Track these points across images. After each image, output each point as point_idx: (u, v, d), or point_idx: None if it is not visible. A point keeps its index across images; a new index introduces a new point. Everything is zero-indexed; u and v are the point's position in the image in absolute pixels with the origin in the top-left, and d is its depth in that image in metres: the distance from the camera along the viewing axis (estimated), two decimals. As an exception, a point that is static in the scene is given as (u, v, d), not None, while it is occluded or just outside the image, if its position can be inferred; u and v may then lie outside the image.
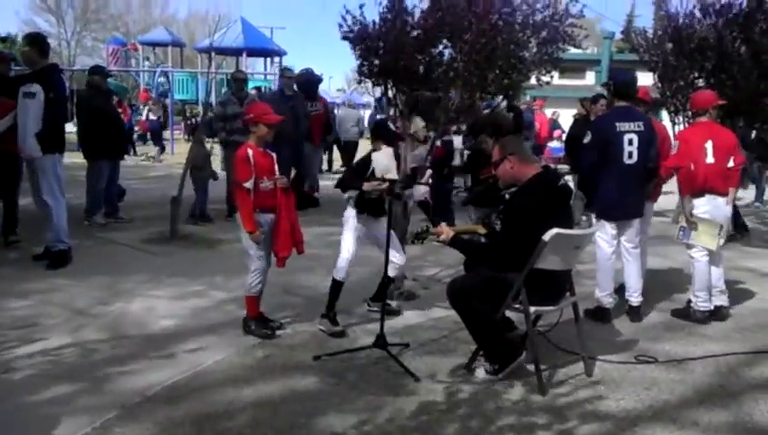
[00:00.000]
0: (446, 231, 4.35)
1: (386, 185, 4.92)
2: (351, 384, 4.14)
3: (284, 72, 11.19)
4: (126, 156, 9.60)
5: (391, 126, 5.88)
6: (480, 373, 4.27)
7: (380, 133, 5.44)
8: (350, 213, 5.24)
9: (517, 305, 4.15)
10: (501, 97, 10.21)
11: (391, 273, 5.33)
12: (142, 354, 4.54)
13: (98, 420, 3.57)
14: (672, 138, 6.28)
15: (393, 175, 5.00)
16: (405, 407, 3.83)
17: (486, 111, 10.05)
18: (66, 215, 6.78)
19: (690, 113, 5.63)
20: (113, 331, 5.00)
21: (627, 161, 5.38)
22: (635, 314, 5.58)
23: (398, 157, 5.31)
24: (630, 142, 5.37)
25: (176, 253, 7.58)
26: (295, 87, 10.60)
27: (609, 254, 5.51)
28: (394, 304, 5.47)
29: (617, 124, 5.41)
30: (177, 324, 5.19)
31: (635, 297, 5.61)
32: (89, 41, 48.57)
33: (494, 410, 3.82)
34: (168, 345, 4.72)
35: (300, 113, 10.02)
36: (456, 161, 9.30)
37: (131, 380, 4.12)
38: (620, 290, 5.87)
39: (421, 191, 5.96)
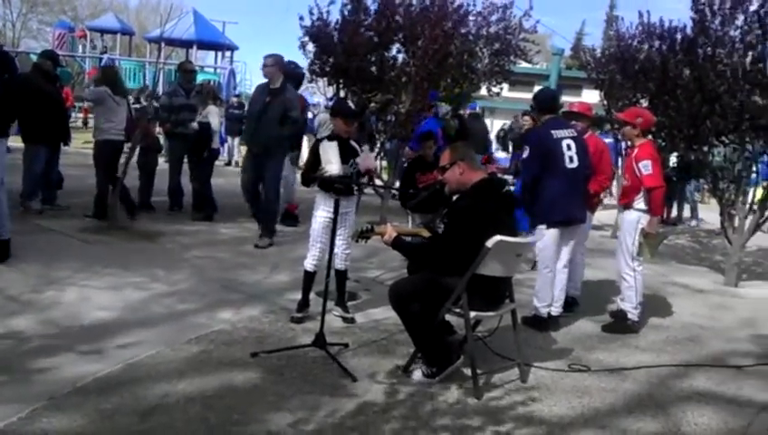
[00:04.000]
0: (389, 231, 4.35)
1: (329, 174, 5.00)
2: (289, 382, 4.10)
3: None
4: (68, 142, 9.26)
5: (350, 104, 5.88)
6: (417, 375, 4.28)
7: (339, 110, 5.48)
8: (318, 198, 5.33)
9: (457, 310, 4.18)
10: (446, 105, 10.34)
11: (340, 265, 5.34)
12: (74, 345, 4.41)
13: (24, 410, 3.45)
14: (615, 154, 6.47)
15: (336, 168, 4.99)
16: (342, 406, 3.81)
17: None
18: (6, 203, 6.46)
19: (636, 132, 5.74)
20: (45, 320, 4.84)
21: (569, 165, 5.51)
22: (554, 323, 5.67)
23: (346, 148, 5.27)
24: (569, 147, 5.52)
25: (113, 243, 7.41)
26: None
27: (549, 264, 5.60)
28: (348, 315, 5.44)
29: (552, 132, 5.57)
30: (111, 316, 5.06)
31: (555, 308, 5.68)
32: (35, 23, 47.11)
33: (430, 412, 3.84)
34: (100, 337, 4.59)
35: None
36: None
37: (61, 370, 3.99)
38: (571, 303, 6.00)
39: (366, 157, 5.56)
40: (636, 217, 5.70)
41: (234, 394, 3.87)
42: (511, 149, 14.69)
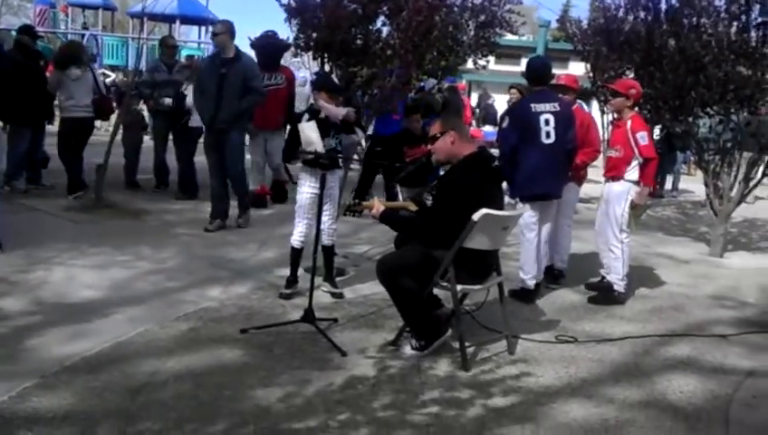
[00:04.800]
0: (377, 205, 4.36)
1: (311, 156, 4.98)
2: (278, 358, 4.12)
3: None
4: (51, 121, 9.18)
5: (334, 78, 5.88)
6: (406, 349, 4.31)
7: (324, 84, 5.47)
8: (303, 175, 5.32)
9: (445, 283, 4.20)
10: (433, 79, 10.27)
11: (327, 240, 5.36)
12: (62, 324, 4.41)
13: (14, 389, 3.46)
14: (601, 126, 6.49)
15: (317, 147, 4.97)
16: (332, 381, 3.84)
17: (419, 93, 10.09)
18: None
19: (629, 103, 5.77)
20: (33, 300, 4.84)
21: (545, 141, 5.49)
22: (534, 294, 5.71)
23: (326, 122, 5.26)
24: (547, 122, 5.49)
25: (100, 222, 7.37)
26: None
27: (532, 237, 5.63)
28: (337, 290, 5.46)
29: (532, 105, 5.55)
30: (98, 295, 5.05)
31: (529, 278, 5.68)
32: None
33: (419, 385, 3.88)
34: (88, 316, 4.59)
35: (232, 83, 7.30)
36: None
37: (50, 349, 4.00)
38: (546, 273, 6.04)
39: (335, 111, 5.46)
40: (626, 189, 5.73)
41: (223, 371, 3.89)
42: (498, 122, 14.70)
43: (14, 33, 19.58)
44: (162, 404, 3.45)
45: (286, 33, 9.18)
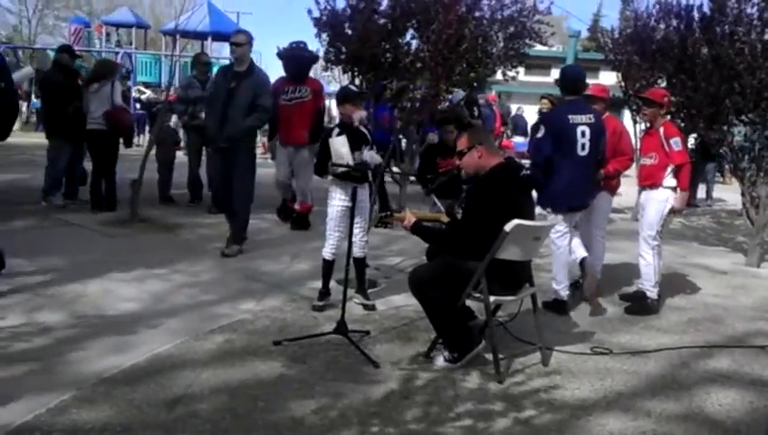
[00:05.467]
0: (408, 217, 4.37)
1: (342, 170, 5.01)
2: (312, 370, 4.14)
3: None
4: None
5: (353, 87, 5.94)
6: (439, 361, 4.30)
7: (345, 95, 5.51)
8: (333, 188, 5.37)
9: (477, 295, 4.19)
10: (461, 90, 10.28)
11: (358, 253, 5.38)
12: (99, 337, 4.47)
13: (53, 402, 3.51)
14: (633, 135, 6.44)
15: (348, 160, 4.98)
16: (365, 393, 3.84)
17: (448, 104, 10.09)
18: None
19: (663, 111, 5.78)
20: (70, 313, 4.92)
21: (580, 153, 5.48)
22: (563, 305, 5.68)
23: (357, 135, 5.29)
24: (583, 134, 5.48)
25: (135, 236, 7.48)
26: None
27: (563, 247, 5.60)
28: (369, 302, 5.48)
29: (570, 117, 5.52)
30: (135, 307, 5.13)
31: (562, 289, 5.66)
32: (51, 19, 47.34)
33: (452, 398, 3.86)
34: (125, 328, 4.66)
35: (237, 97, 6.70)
36: None
37: (88, 362, 4.06)
38: (576, 284, 6.00)
39: (369, 156, 5.40)
40: (665, 196, 5.72)
41: (258, 383, 3.91)
42: (529, 133, 14.63)
43: (50, 52, 20.07)
44: (198, 416, 3.48)
45: (316, 47, 9.19)
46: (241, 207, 6.87)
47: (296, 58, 8.26)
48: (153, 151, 8.91)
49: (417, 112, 9.54)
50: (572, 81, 5.76)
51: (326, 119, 11.66)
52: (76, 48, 13.57)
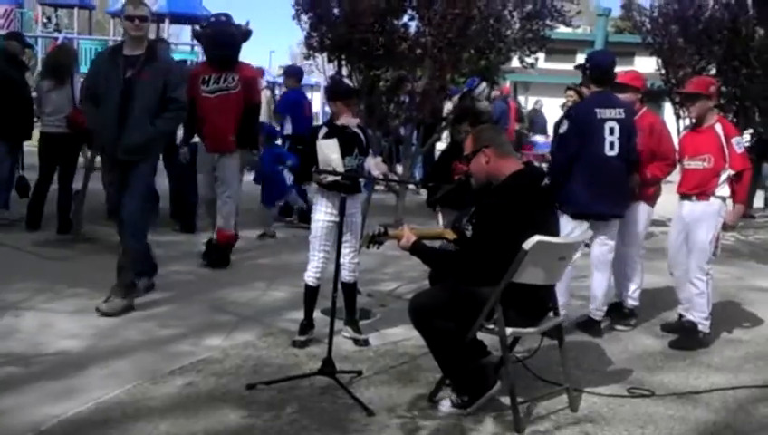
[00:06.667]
0: (406, 235, 4.37)
1: (331, 178, 5.08)
2: (291, 419, 4.13)
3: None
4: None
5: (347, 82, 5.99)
6: (445, 406, 4.31)
7: (336, 91, 5.56)
8: (318, 199, 5.40)
9: (491, 326, 4.19)
10: (477, 79, 10.34)
11: (348, 277, 5.42)
12: (35, 381, 4.46)
13: (-22, 461, 3.51)
14: (675, 133, 6.47)
15: (337, 166, 5.06)
16: (355, 446, 3.85)
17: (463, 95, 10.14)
18: None
19: (712, 104, 5.80)
20: (0, 350, 4.91)
21: (608, 153, 5.56)
22: (592, 328, 5.86)
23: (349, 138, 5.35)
24: (612, 131, 5.55)
25: (77, 258, 7.48)
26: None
27: (609, 262, 5.81)
28: (361, 336, 5.49)
29: (597, 111, 5.59)
30: (78, 345, 5.12)
31: (595, 311, 5.84)
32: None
33: (461, 451, 3.87)
34: (67, 370, 4.65)
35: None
36: None
37: (21, 412, 4.04)
38: (614, 312, 6.03)
39: (374, 164, 5.68)
40: (716, 208, 5.72)
41: (226, 435, 3.90)
42: (551, 131, 14.67)
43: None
44: (155, 476, 3.48)
45: (297, 32, 9.19)
46: (131, 241, 6.02)
47: (219, 35, 7.44)
48: (99, 158, 8.90)
49: (417, 109, 9.56)
50: (601, 68, 5.82)
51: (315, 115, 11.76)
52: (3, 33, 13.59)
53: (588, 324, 5.88)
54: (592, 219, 5.64)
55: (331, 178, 5.12)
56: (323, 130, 5.41)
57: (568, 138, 5.64)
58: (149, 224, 6.31)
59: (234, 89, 7.38)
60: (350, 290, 5.52)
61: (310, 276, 5.40)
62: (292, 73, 11.16)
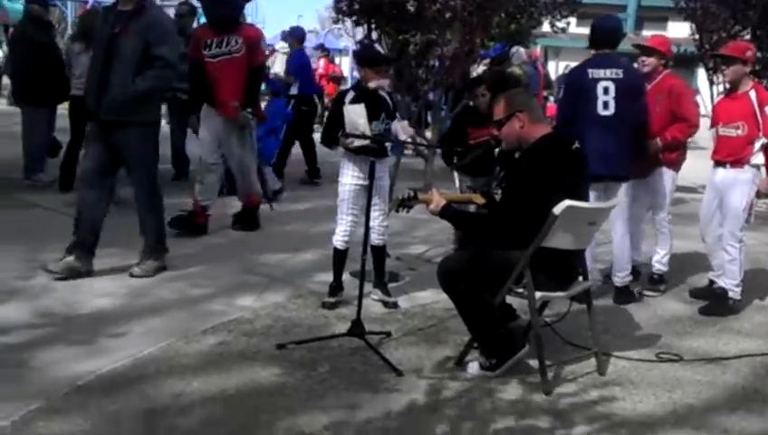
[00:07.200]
0: (436, 199, 4.38)
1: (359, 143, 5.08)
2: (322, 378, 4.19)
3: None
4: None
5: (378, 48, 5.98)
6: (474, 368, 4.34)
7: (367, 57, 5.55)
8: (345, 163, 5.41)
9: (520, 290, 4.22)
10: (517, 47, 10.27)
11: (377, 240, 5.46)
12: (71, 338, 4.55)
13: (17, 413, 3.57)
14: (710, 99, 6.41)
15: (365, 131, 5.08)
16: (385, 406, 3.89)
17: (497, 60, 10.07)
18: None
19: (747, 69, 5.75)
20: (36, 310, 5.00)
21: (601, 112, 5.52)
22: (620, 295, 5.86)
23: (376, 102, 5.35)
24: (606, 91, 5.52)
25: (110, 219, 7.50)
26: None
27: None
28: (390, 299, 5.52)
29: (590, 71, 5.60)
30: (113, 304, 5.21)
31: (619, 277, 5.84)
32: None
33: (488, 411, 3.90)
34: (102, 328, 4.73)
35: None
36: None
37: (58, 367, 4.13)
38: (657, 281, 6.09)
39: (400, 127, 5.54)
40: (750, 176, 5.70)
41: (258, 393, 3.97)
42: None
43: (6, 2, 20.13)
44: (188, 431, 3.55)
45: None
46: (147, 212, 6.00)
47: None
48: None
49: (446, 73, 9.52)
50: (601, 30, 5.83)
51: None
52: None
53: (616, 292, 5.87)
54: (591, 182, 5.58)
55: (358, 142, 5.12)
56: (351, 94, 5.41)
57: (563, 102, 5.74)
58: (161, 200, 6.14)
59: (237, 52, 7.08)
60: (380, 253, 5.55)
61: (338, 240, 5.44)
62: (296, 35, 11.19)
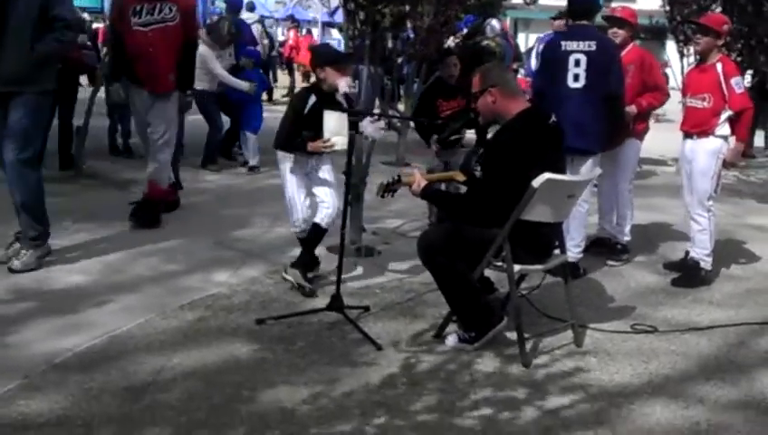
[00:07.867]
0: (417, 180, 4.39)
1: (339, 147, 4.89)
2: (301, 352, 4.20)
3: None
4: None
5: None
6: (452, 341, 4.37)
7: (326, 57, 5.21)
8: (282, 160, 5.28)
9: (499, 263, 4.24)
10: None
11: (323, 219, 5.25)
12: (45, 315, 4.52)
13: (-4, 391, 3.56)
14: (680, 71, 6.46)
15: (343, 143, 4.79)
16: (365, 379, 3.92)
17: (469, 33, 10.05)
18: None
19: (720, 43, 5.79)
20: (9, 287, 4.96)
21: (571, 84, 5.54)
22: (573, 269, 5.62)
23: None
24: (577, 63, 5.53)
25: (81, 194, 7.49)
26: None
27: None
28: (306, 285, 5.19)
29: (562, 43, 5.63)
30: (87, 280, 5.17)
31: (574, 251, 5.68)
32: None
33: (468, 384, 3.94)
34: (77, 305, 4.70)
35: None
36: None
37: (35, 345, 4.10)
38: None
39: (372, 127, 5.08)
40: (717, 147, 5.73)
41: (238, 368, 3.98)
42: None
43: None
44: (170, 407, 3.54)
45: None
46: (24, 196, 5.29)
47: None
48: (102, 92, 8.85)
49: (422, 45, 9.47)
50: (578, 3, 5.82)
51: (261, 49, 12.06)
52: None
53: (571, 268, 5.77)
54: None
55: (339, 147, 4.89)
56: (312, 99, 5.09)
57: (537, 74, 5.74)
58: (40, 178, 5.47)
59: (171, 21, 6.48)
60: (317, 231, 5.27)
61: (296, 230, 5.37)
62: (231, 4, 12.00)
